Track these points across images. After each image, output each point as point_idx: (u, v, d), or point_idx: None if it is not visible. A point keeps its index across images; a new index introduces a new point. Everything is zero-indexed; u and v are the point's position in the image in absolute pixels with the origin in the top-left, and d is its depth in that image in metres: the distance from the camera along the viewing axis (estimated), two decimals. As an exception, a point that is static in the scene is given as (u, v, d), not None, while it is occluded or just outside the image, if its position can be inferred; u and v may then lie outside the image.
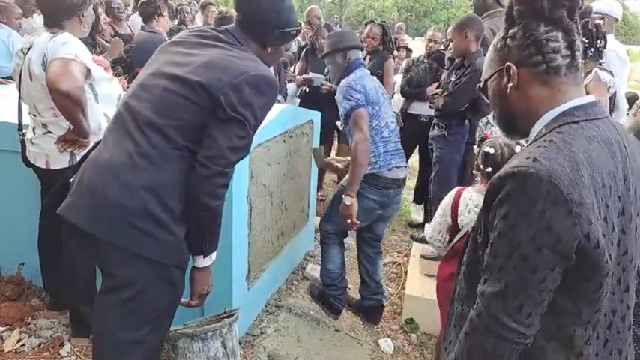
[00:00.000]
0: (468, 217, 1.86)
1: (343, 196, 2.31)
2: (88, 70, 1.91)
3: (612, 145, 0.91)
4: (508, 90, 0.98)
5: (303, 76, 4.18)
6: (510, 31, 0.98)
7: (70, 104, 1.78)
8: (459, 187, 2.02)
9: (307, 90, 4.13)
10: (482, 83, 1.06)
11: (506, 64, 0.97)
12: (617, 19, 3.39)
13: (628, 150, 0.95)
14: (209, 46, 1.45)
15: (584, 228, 0.82)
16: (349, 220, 2.32)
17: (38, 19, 4.21)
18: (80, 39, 1.97)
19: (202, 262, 1.46)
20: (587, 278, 0.87)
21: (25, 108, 2.11)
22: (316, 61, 4.10)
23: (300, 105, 4.05)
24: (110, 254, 1.36)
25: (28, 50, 1.96)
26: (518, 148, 1.78)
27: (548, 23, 0.93)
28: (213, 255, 1.48)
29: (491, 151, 1.75)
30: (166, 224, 1.33)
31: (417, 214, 4.26)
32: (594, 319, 0.90)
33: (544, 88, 0.96)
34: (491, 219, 0.92)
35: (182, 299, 1.51)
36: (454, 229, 1.94)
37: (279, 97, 4.02)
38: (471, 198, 1.88)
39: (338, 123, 3.91)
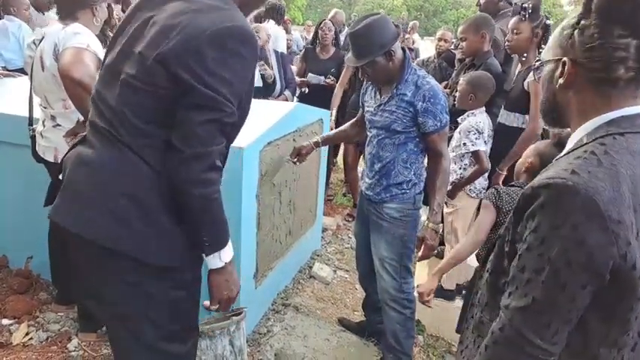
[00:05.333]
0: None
1: (431, 222, 2.18)
2: (99, 61, 1.91)
3: None
4: (557, 84, 0.91)
5: (301, 79, 4.16)
6: (582, 22, 0.87)
7: (81, 92, 1.77)
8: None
9: (307, 91, 4.11)
10: (539, 62, 0.99)
11: (564, 59, 0.89)
12: None
13: None
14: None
15: (622, 248, 0.77)
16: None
17: (52, 14, 4.21)
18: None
19: (213, 262, 1.24)
20: (620, 299, 0.82)
21: (36, 101, 2.11)
22: (317, 61, 4.07)
23: None
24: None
25: (40, 41, 1.96)
26: None
27: (625, 28, 0.83)
28: (224, 255, 1.24)
29: None
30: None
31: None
32: (621, 340, 0.86)
33: (595, 96, 0.88)
34: (520, 230, 0.87)
35: (204, 301, 1.34)
36: None
37: (288, 94, 3.97)
38: None
39: None
